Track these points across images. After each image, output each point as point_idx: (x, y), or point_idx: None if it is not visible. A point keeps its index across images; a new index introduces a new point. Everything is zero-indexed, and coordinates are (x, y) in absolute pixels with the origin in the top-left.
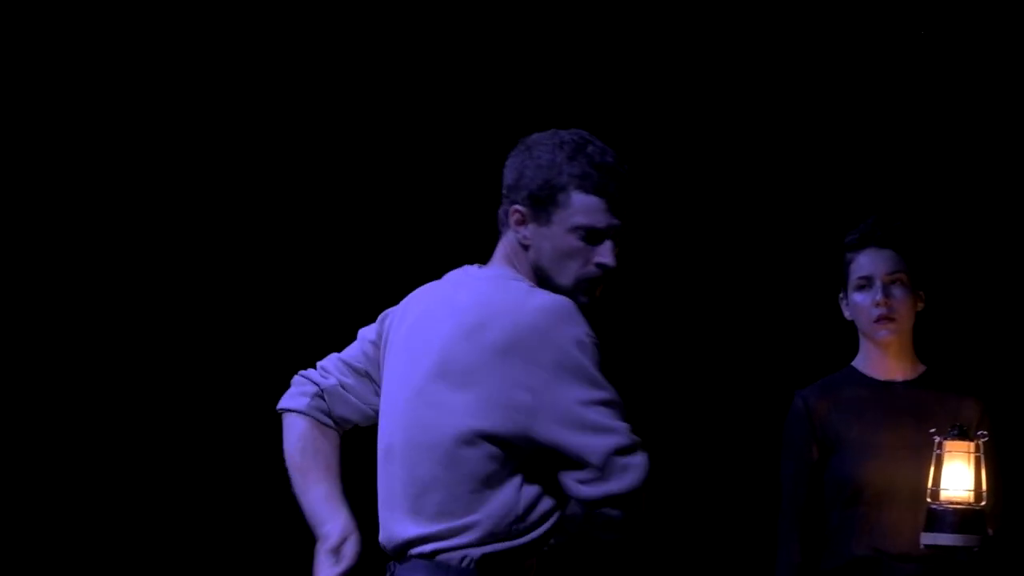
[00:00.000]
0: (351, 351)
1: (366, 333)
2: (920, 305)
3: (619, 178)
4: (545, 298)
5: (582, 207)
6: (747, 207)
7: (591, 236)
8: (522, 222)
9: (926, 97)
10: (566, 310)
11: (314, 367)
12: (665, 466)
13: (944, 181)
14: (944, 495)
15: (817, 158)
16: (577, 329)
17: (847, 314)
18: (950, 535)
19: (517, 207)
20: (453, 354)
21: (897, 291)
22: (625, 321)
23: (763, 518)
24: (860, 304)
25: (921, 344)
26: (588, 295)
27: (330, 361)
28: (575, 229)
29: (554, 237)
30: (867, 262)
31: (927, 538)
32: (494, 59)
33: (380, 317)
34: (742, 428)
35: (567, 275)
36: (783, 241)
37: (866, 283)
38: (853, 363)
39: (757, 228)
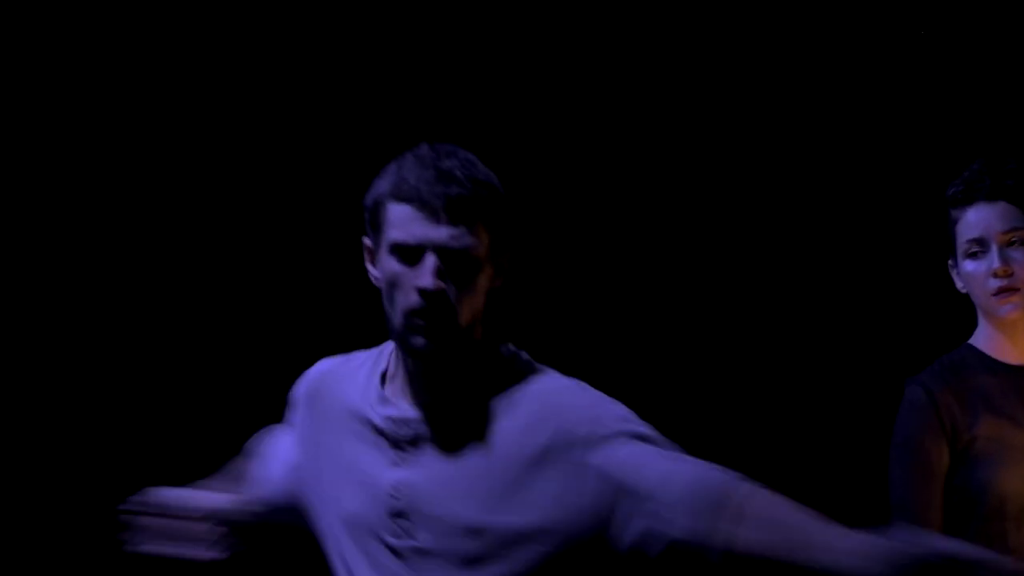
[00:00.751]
0: None
1: None
2: None
3: (447, 182)
4: None
5: (394, 219)
6: (831, 154)
7: (405, 254)
8: (370, 259)
9: None
10: None
11: None
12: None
13: None
14: None
15: (914, 93)
16: None
17: (959, 285)
18: None
19: (364, 241)
20: None
21: (1018, 254)
22: (695, 300)
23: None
24: (973, 274)
25: None
26: (421, 334)
27: None
28: (390, 248)
29: (381, 266)
30: (977, 220)
31: None
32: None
33: None
34: (834, 428)
35: (396, 313)
36: (875, 197)
37: (978, 247)
38: (971, 341)
39: (843, 178)
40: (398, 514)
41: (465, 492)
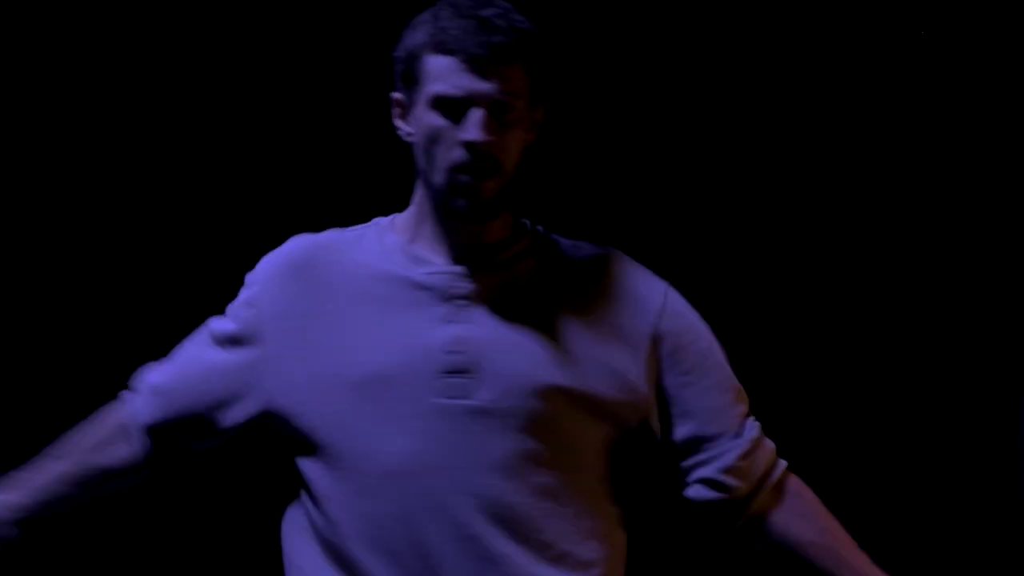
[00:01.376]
0: None
1: None
2: None
3: (490, 31)
4: None
5: (435, 72)
6: (934, 150)
7: (449, 108)
8: (401, 114)
9: None
10: None
11: None
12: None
13: None
14: None
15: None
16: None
17: None
18: None
19: (393, 95)
20: None
21: None
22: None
23: None
24: None
25: None
26: (465, 194)
27: None
28: (431, 102)
29: (419, 121)
30: None
31: None
32: None
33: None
34: (948, 442)
35: (438, 169)
36: (963, 182)
37: None
38: None
39: (947, 178)
40: (456, 371)
41: (532, 352)
